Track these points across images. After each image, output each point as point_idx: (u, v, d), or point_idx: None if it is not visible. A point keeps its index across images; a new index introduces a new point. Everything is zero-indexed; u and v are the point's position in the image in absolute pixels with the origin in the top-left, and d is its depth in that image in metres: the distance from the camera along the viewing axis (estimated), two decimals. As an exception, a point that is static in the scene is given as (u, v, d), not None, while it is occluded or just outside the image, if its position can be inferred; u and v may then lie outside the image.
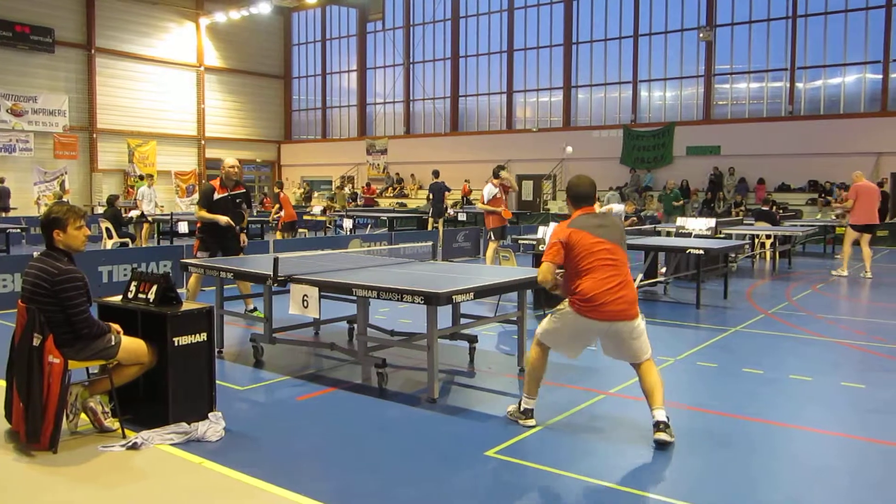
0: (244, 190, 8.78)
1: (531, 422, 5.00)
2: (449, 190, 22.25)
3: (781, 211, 20.02)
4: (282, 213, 16.76)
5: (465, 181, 28.64)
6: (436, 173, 21.63)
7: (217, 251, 8.50)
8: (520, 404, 5.09)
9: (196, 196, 31.57)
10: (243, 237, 8.78)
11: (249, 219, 9.87)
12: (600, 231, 4.82)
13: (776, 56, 25.46)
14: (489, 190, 11.92)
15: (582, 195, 5.01)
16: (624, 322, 4.77)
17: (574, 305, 4.79)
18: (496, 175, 11.99)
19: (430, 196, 21.26)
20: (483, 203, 12.09)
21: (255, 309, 8.49)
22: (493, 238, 12.04)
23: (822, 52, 24.65)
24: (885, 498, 4.03)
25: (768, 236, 15.29)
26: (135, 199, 19.36)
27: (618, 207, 14.77)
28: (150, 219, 17.81)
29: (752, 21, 25.77)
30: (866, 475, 4.35)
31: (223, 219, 8.41)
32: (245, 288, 8.38)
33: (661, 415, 4.72)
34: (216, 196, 8.47)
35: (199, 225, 8.71)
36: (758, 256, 15.85)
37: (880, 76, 23.62)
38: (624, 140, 27.52)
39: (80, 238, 4.66)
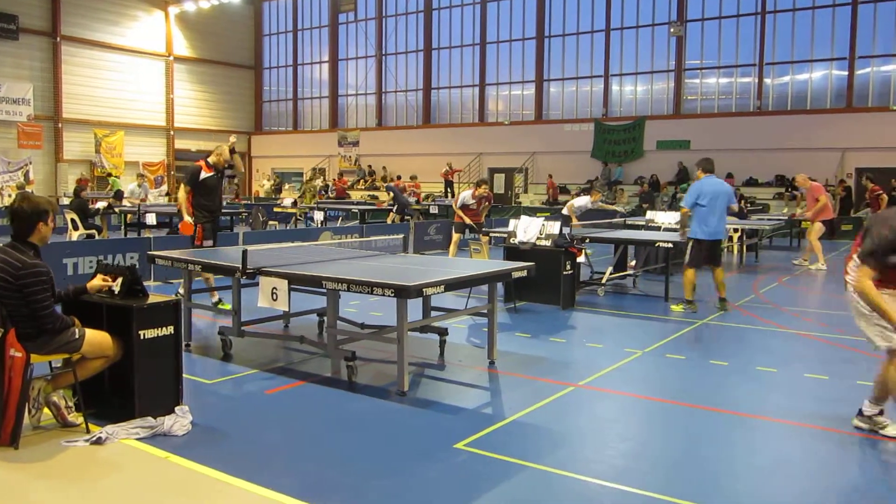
0: (225, 166, 8.83)
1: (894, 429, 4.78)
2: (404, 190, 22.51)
3: (749, 205, 20.29)
4: None
5: (448, 164, 28.56)
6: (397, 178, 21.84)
7: (213, 239, 8.61)
8: (881, 413, 4.83)
9: (165, 186, 31.17)
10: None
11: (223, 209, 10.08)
12: None
13: (745, 52, 25.78)
14: (464, 196, 13.10)
15: None
16: None
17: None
18: (478, 185, 13.17)
19: (391, 195, 21.31)
20: (456, 206, 13.24)
21: (220, 301, 8.43)
22: (455, 230, 13.29)
23: (789, 49, 24.99)
24: (846, 484, 4.11)
25: (736, 230, 15.48)
26: (128, 196, 19.20)
27: (580, 201, 14.96)
28: (116, 210, 17.55)
29: (722, 17, 26.06)
30: (828, 463, 4.43)
31: (186, 218, 8.49)
32: (212, 280, 8.34)
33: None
34: (203, 175, 8.53)
35: (192, 213, 8.58)
36: (725, 250, 16.04)
37: (846, 73, 24.01)
38: (595, 134, 27.67)
39: (50, 232, 4.66)
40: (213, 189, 8.64)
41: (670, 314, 9.09)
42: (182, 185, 8.74)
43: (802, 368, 6.62)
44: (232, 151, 8.67)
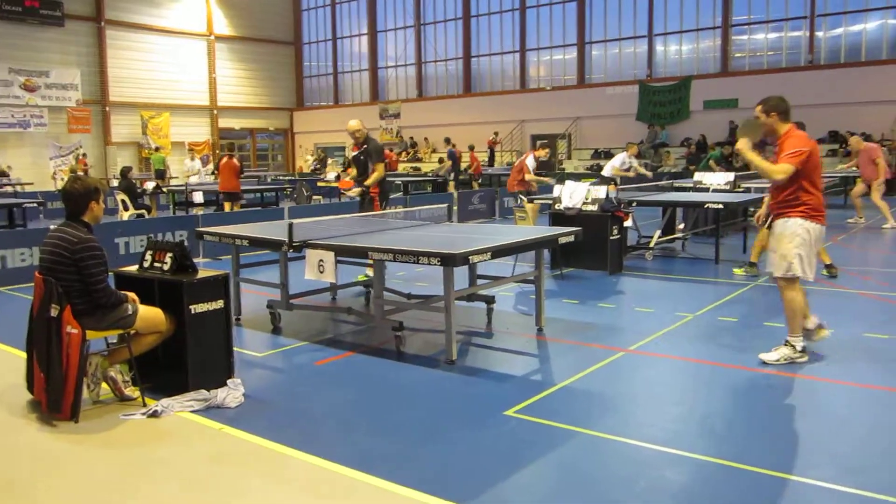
0: (367, 146, 8.95)
1: (805, 357, 5.40)
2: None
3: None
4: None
5: (494, 133, 28.50)
6: (448, 140, 21.73)
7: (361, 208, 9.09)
8: (794, 347, 5.38)
9: (211, 166, 31.60)
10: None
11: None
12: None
13: (795, 4, 24.84)
14: (531, 161, 12.31)
15: (790, 111, 5.43)
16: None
17: (806, 216, 5.25)
18: (541, 148, 12.59)
19: (450, 162, 21.57)
20: (530, 173, 12.25)
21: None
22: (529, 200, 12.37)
23: (842, -1, 24.03)
24: (911, 448, 3.98)
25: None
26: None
27: (616, 161, 14.68)
28: (164, 190, 17.87)
29: (770, -31, 25.12)
30: (888, 423, 4.29)
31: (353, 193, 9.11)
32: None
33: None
34: (352, 154, 9.28)
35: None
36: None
37: (904, 21, 22.99)
38: (640, 96, 27.12)
39: (101, 212, 4.81)
40: (358, 164, 9.04)
41: (732, 277, 8.86)
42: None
43: (862, 328, 6.42)
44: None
